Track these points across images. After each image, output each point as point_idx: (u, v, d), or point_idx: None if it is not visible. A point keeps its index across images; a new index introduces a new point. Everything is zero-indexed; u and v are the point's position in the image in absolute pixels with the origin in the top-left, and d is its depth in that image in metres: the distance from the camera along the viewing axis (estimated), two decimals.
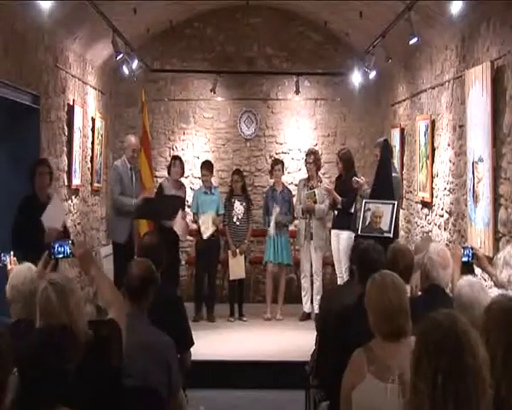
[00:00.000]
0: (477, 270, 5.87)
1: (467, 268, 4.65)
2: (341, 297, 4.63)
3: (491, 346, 2.45)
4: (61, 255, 3.86)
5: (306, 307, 9.11)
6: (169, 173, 9.10)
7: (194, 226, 9.34)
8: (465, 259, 4.76)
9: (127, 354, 3.31)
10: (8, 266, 4.50)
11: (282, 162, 9.61)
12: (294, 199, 9.37)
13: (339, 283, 8.38)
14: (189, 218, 9.54)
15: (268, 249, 9.18)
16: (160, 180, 9.64)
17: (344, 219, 8.60)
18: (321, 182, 9.09)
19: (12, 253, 4.64)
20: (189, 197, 9.73)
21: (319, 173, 9.28)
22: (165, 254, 4.91)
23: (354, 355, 3.19)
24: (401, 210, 9.00)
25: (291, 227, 9.69)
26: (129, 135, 8.88)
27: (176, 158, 9.23)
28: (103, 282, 3.66)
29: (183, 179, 9.48)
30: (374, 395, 3.08)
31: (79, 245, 3.85)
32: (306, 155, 9.21)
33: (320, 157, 9.40)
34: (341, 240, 8.52)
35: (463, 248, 4.80)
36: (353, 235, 7.78)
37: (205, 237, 8.95)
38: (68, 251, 3.81)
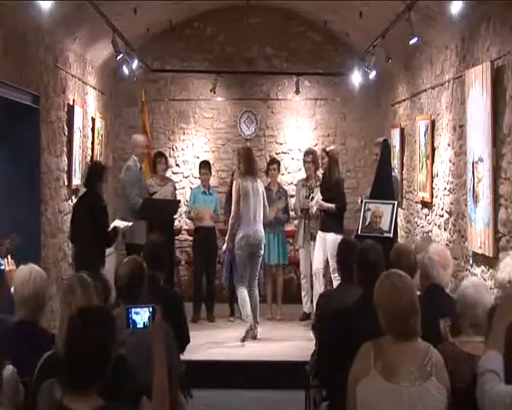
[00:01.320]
0: (477, 270, 5.88)
1: None
2: (340, 297, 4.63)
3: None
4: None
5: (306, 307, 9.09)
6: (155, 171, 9.14)
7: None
8: None
9: (127, 354, 3.31)
10: (7, 268, 4.51)
11: (278, 162, 9.60)
12: (293, 199, 9.35)
13: (315, 283, 8.48)
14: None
15: (264, 251, 9.15)
16: None
17: (330, 222, 8.51)
18: (319, 181, 9.05)
19: (9, 256, 4.64)
20: (179, 193, 9.75)
21: (318, 173, 9.26)
22: (167, 255, 4.92)
23: (363, 347, 3.18)
24: (401, 210, 9.00)
25: (290, 227, 9.67)
26: (135, 134, 9.09)
27: (160, 155, 9.30)
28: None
29: (182, 179, 9.46)
30: (376, 392, 3.08)
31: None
32: (305, 155, 9.18)
33: (318, 157, 9.38)
34: (328, 242, 8.41)
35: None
36: (340, 237, 7.70)
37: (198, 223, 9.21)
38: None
